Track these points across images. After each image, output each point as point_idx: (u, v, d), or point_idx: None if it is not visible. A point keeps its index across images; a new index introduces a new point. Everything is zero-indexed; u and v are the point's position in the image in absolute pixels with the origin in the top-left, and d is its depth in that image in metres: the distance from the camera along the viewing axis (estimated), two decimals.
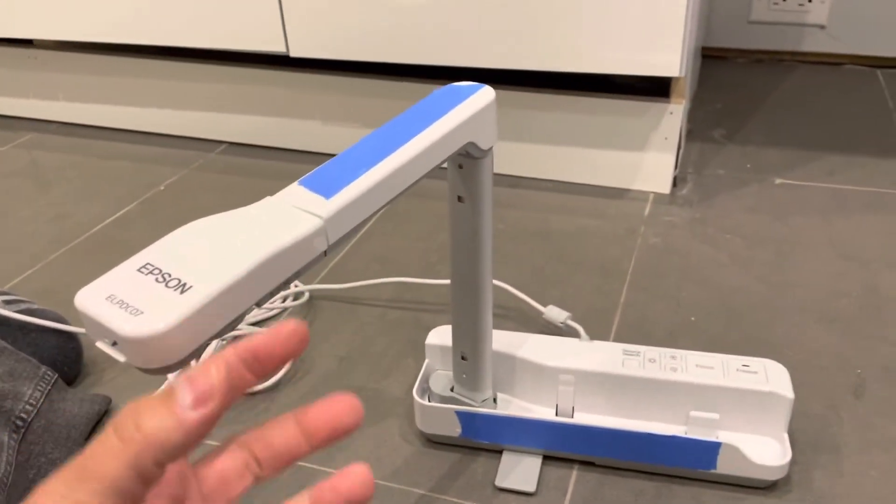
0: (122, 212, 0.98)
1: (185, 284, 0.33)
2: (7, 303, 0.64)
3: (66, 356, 0.64)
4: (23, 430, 0.54)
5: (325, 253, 0.39)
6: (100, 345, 0.33)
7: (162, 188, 1.03)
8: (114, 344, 0.32)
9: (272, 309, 0.76)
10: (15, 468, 0.52)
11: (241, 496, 0.30)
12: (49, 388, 0.56)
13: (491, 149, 0.47)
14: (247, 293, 0.34)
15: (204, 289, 0.33)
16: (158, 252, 0.35)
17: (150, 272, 0.34)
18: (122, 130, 1.20)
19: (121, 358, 0.32)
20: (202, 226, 0.36)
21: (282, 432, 0.30)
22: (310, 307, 0.77)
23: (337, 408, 0.30)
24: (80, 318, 0.33)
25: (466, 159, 0.48)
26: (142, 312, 0.32)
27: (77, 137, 1.19)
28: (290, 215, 0.37)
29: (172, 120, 1.17)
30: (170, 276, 0.33)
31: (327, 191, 0.38)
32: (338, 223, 0.38)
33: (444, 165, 0.48)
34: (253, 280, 0.34)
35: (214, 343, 0.70)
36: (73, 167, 1.10)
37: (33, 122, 1.25)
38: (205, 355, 0.70)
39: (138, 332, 0.31)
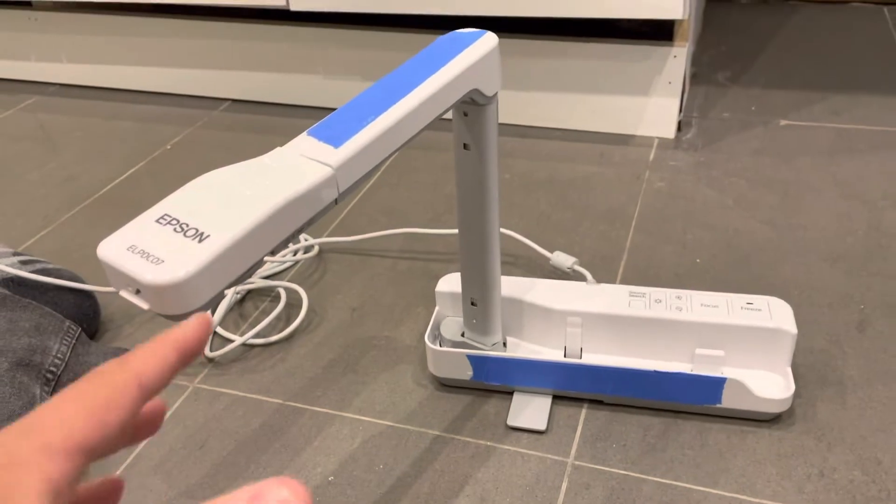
0: (130, 171, 0.98)
1: (202, 233, 0.34)
2: (23, 263, 0.66)
3: (84, 314, 0.66)
4: (53, 384, 0.56)
5: (335, 201, 0.39)
6: (123, 294, 0.34)
7: (168, 147, 1.04)
8: (137, 292, 0.33)
9: (284, 262, 0.77)
10: None
11: None
12: (74, 341, 0.58)
13: (495, 95, 0.48)
14: (261, 241, 0.35)
15: (221, 237, 0.34)
16: (175, 203, 0.36)
17: (169, 223, 0.35)
18: (126, 91, 1.20)
19: (144, 305, 0.34)
20: (216, 177, 0.37)
21: None
22: (320, 260, 0.79)
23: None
24: (97, 274, 0.34)
25: (471, 106, 0.48)
26: (163, 261, 0.33)
27: (81, 99, 1.20)
28: (301, 165, 0.38)
29: (175, 79, 1.17)
30: (188, 226, 0.34)
31: (336, 140, 0.39)
32: (347, 171, 0.39)
33: (450, 116, 0.48)
34: (267, 228, 0.35)
35: (231, 292, 0.71)
36: (79, 129, 1.11)
37: (36, 85, 1.25)
38: (223, 305, 0.72)
39: (161, 280, 0.32)
